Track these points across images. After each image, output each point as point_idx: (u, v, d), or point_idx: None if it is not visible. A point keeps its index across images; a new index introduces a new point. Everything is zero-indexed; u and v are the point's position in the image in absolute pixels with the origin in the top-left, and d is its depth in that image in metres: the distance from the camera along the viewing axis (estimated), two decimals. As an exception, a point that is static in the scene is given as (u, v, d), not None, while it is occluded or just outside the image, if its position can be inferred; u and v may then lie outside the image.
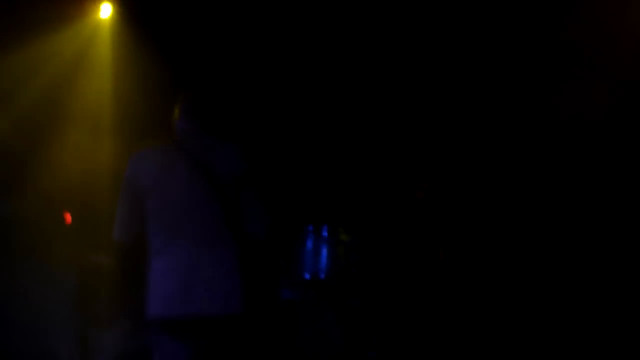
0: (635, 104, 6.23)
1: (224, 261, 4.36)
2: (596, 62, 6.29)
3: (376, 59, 7.09)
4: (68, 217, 7.12)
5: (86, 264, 6.80)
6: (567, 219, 6.55)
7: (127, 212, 4.46)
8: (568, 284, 6.48)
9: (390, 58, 7.08)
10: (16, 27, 6.89)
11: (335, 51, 7.10)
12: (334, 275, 6.60)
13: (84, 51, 7.28)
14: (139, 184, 4.41)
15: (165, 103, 6.67)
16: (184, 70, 7.12)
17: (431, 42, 6.91)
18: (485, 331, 6.57)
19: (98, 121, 6.99)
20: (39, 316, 7.02)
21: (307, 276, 6.61)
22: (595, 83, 6.22)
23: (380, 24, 6.89)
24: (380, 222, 6.89)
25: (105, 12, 7.17)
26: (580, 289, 6.39)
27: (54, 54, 7.13)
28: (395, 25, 6.86)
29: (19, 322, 6.95)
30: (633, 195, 6.39)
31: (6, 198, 7.09)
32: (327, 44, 7.06)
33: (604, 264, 6.40)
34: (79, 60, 7.24)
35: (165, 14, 7.11)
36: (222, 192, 4.38)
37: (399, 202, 6.78)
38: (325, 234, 6.60)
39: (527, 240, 6.62)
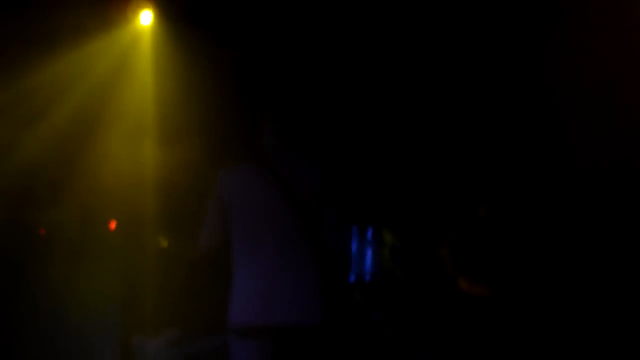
0: None
1: (303, 273, 4.62)
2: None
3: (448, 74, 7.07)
4: (112, 223, 7.17)
5: (131, 268, 6.85)
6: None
7: (212, 224, 4.78)
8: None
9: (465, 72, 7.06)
10: (55, 35, 6.92)
11: (405, 68, 7.11)
12: (379, 278, 6.62)
13: (124, 59, 7.28)
14: (225, 197, 4.73)
15: (206, 109, 6.79)
16: (225, 77, 7.13)
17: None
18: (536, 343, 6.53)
19: (139, 129, 7.02)
20: (83, 321, 7.07)
21: (352, 278, 6.64)
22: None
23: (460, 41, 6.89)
24: (432, 229, 6.86)
25: (146, 19, 7.17)
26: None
27: (93, 62, 7.16)
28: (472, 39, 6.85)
29: (63, 327, 7.00)
30: None
31: (51, 205, 7.15)
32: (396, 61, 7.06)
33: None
34: (119, 69, 7.26)
35: (209, 21, 7.10)
36: (304, 208, 4.67)
37: (456, 214, 6.79)
38: (370, 235, 6.61)
39: (590, 259, 6.53)
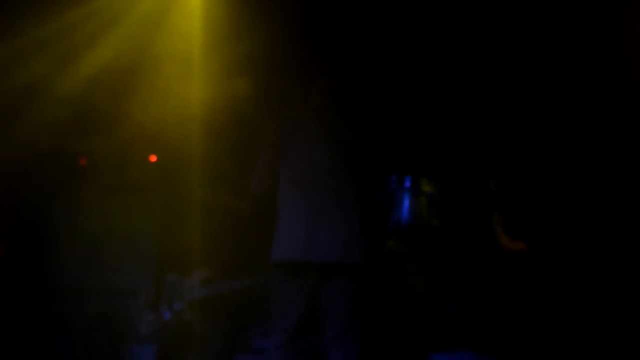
0: None
1: (346, 216, 4.90)
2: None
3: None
4: (153, 157, 7.23)
5: (170, 205, 6.91)
6: None
7: (264, 168, 5.12)
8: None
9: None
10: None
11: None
12: (415, 226, 6.61)
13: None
14: (278, 144, 5.07)
15: (258, 49, 6.76)
16: (279, 21, 7.07)
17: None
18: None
19: (187, 65, 7.00)
20: (118, 253, 7.18)
21: (389, 225, 6.64)
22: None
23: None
24: (471, 180, 6.86)
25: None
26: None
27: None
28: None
29: (97, 256, 7.11)
30: None
31: (93, 136, 7.21)
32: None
33: None
34: (167, 3, 7.23)
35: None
36: (350, 158, 4.96)
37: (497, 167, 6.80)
38: (408, 184, 6.59)
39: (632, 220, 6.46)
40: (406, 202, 6.60)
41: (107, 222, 7.19)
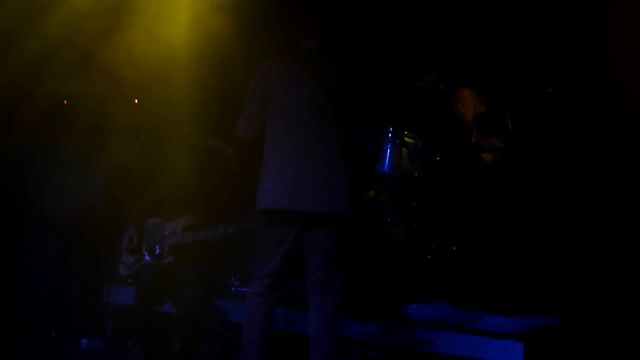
0: None
1: (334, 166, 4.89)
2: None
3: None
4: (135, 100, 7.20)
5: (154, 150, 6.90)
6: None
7: (251, 112, 5.05)
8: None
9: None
10: None
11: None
12: (396, 177, 6.64)
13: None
14: (266, 88, 5.00)
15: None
16: None
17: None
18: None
19: (172, 6, 6.94)
20: (98, 195, 7.15)
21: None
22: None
23: None
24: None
25: None
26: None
27: None
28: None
29: (78, 197, 7.07)
30: None
31: (76, 77, 7.15)
32: None
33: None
34: None
35: None
36: (339, 107, 4.92)
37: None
38: (390, 135, 6.60)
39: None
40: (388, 153, 6.61)
41: (87, 162, 7.14)
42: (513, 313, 5.70)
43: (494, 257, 6.59)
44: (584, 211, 6.52)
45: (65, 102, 7.17)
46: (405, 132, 6.63)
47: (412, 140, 6.67)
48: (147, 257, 6.02)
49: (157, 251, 5.97)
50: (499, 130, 6.86)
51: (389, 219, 6.63)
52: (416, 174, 6.67)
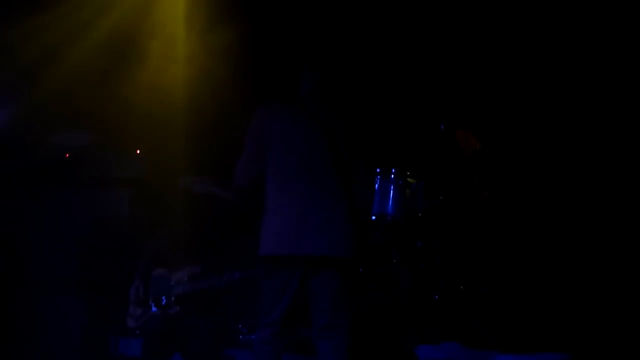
0: None
1: (334, 210, 4.89)
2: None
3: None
4: (138, 151, 7.23)
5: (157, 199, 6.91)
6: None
7: (250, 160, 5.04)
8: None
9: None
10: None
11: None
12: (401, 217, 6.64)
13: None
14: (264, 134, 4.98)
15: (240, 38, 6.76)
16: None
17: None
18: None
19: (170, 59, 7.00)
20: (101, 246, 7.15)
21: (374, 217, 6.67)
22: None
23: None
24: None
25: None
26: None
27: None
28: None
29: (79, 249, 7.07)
30: None
31: (77, 130, 7.18)
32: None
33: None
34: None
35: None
36: (337, 153, 4.93)
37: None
38: (393, 176, 6.61)
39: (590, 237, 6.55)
40: (391, 194, 6.62)
41: (88, 215, 7.15)
42: (523, 351, 5.67)
43: (502, 295, 6.57)
44: (592, 248, 6.50)
45: (67, 155, 7.21)
46: (408, 173, 6.66)
47: (414, 180, 6.69)
48: (154, 309, 5.98)
49: (164, 301, 5.94)
50: (497, 167, 6.88)
51: (395, 260, 6.62)
52: (420, 214, 6.68)
